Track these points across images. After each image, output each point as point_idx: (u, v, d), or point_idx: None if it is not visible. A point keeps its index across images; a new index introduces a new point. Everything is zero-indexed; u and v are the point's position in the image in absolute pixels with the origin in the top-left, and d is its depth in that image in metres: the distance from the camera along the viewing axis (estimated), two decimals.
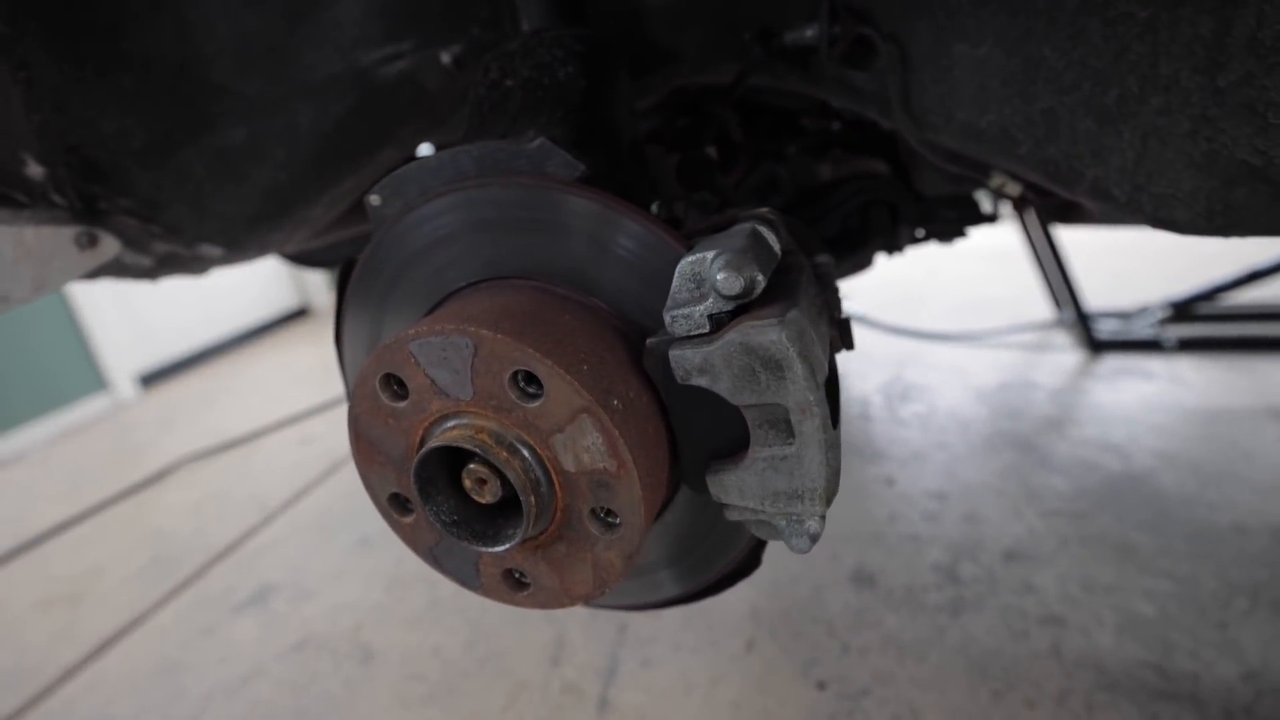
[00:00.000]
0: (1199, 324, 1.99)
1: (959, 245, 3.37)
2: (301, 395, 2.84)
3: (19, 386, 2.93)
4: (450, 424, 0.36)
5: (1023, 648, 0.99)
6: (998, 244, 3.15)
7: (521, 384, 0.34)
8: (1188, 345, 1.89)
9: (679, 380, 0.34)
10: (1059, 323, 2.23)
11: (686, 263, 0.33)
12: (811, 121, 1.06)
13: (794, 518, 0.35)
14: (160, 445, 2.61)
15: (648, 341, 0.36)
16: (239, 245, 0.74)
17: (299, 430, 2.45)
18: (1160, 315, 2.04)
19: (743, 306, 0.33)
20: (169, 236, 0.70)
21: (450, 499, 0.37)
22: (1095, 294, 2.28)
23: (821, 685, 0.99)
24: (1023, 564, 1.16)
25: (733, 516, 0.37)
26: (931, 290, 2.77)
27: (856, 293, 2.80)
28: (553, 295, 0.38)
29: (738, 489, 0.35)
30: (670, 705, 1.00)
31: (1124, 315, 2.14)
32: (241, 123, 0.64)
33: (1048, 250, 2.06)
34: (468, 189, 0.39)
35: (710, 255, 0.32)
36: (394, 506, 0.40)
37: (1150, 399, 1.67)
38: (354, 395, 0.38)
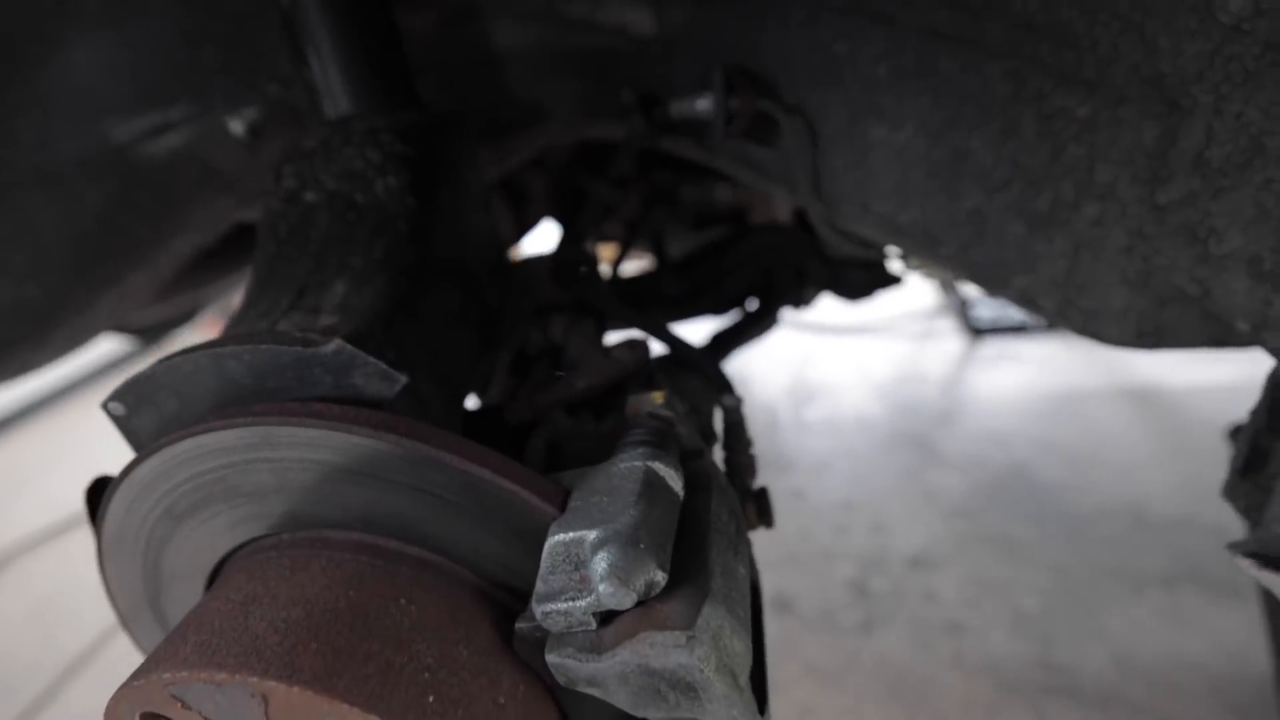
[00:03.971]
0: None
1: None
2: None
3: None
4: None
5: (929, 659, 1.04)
6: None
7: None
8: (1054, 326, 2.08)
9: (562, 685, 0.27)
10: (943, 309, 2.39)
11: (557, 543, 0.26)
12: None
13: None
14: None
15: (517, 626, 0.28)
16: None
17: None
18: None
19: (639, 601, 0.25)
20: None
21: None
22: None
23: None
24: (925, 570, 1.22)
25: None
26: None
27: None
28: (378, 558, 0.29)
29: None
30: None
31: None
32: None
33: None
34: (245, 424, 0.28)
35: (591, 539, 0.25)
36: None
37: (1024, 384, 1.81)
38: None
